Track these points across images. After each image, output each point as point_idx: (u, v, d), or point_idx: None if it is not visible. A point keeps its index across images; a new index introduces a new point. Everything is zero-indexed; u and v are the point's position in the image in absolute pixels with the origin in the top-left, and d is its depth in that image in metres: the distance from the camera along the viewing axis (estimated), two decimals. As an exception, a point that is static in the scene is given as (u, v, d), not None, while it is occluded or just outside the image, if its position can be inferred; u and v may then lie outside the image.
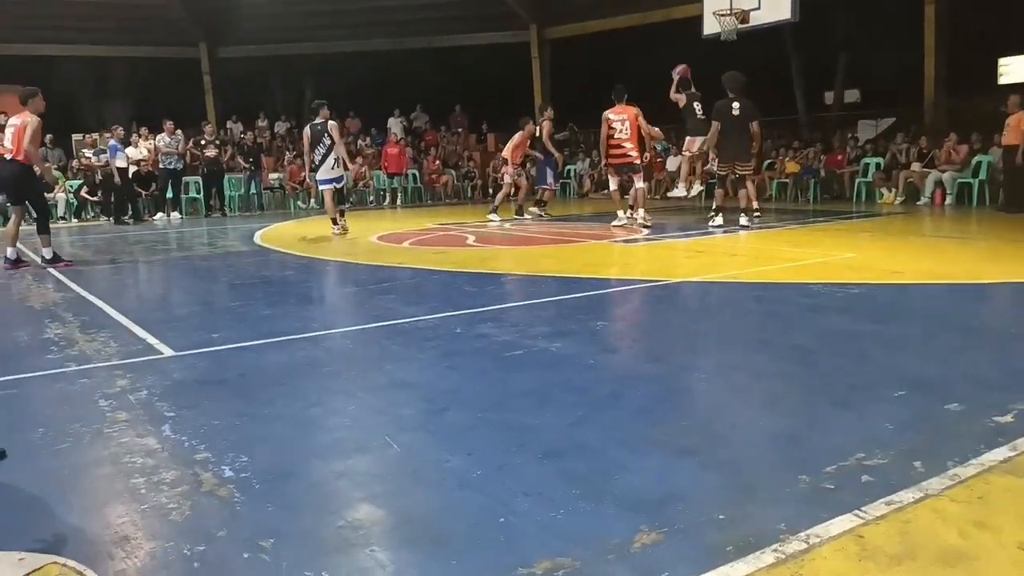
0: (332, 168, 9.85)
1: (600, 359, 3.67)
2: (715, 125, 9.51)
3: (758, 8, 11.43)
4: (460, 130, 20.43)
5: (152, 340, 4.18)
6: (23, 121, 7.20)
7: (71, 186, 14.78)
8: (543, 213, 11.74)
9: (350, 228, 10.05)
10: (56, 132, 15.01)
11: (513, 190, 11.89)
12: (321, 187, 10.27)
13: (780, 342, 3.94)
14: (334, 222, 9.95)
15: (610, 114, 9.85)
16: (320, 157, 9.81)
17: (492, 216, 11.22)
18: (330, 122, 9.88)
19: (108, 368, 3.66)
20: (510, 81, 20.89)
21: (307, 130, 10.00)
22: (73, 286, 6.19)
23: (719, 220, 9.54)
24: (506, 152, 11.78)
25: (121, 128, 14.01)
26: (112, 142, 13.55)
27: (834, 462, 2.35)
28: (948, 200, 12.27)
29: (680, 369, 3.63)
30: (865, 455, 2.41)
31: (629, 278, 5.89)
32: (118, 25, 18.72)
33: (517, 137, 11.63)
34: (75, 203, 14.74)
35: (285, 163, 17.05)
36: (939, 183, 12.48)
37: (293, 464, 2.51)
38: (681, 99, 10.78)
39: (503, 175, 12.08)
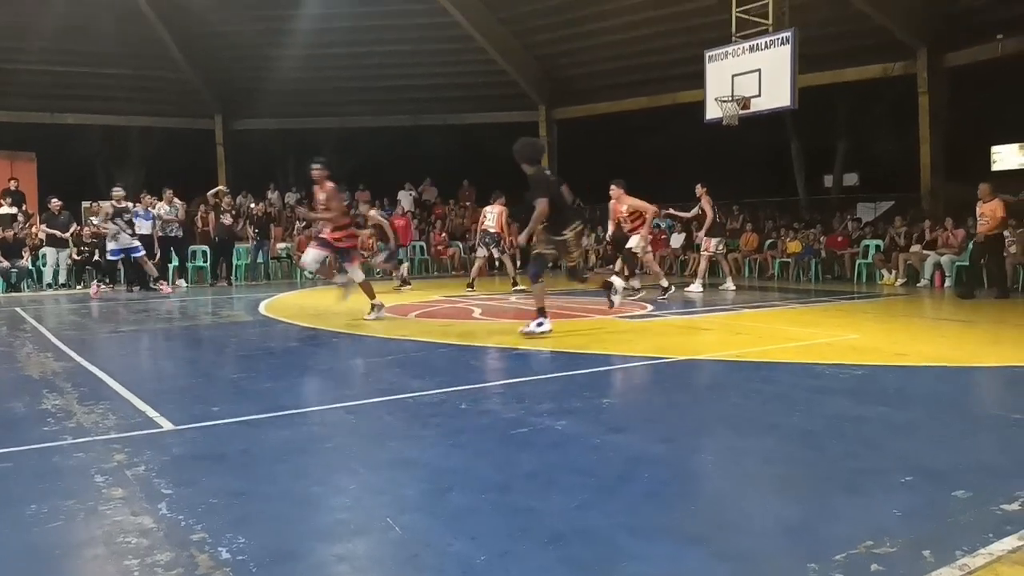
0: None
1: (606, 439, 3.62)
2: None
3: (759, 95, 11.76)
4: (468, 204, 20.75)
5: (152, 413, 4.13)
6: None
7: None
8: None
9: (353, 299, 9.95)
10: (67, 198, 15.25)
11: (499, 264, 12.53)
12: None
13: (788, 425, 3.89)
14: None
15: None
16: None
17: (469, 290, 11.95)
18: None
19: (105, 442, 3.61)
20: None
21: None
22: (73, 355, 6.17)
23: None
24: (497, 227, 12.36)
25: (149, 196, 14.23)
26: (136, 210, 13.74)
27: (843, 550, 2.30)
28: (947, 283, 12.33)
29: (688, 451, 3.58)
30: (874, 543, 2.36)
31: (633, 355, 5.86)
32: (136, 95, 19.35)
33: (500, 210, 12.48)
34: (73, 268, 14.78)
35: (295, 233, 17.26)
36: (938, 265, 12.57)
37: (292, 546, 2.45)
38: (709, 211, 11.78)
39: (505, 248, 12.40)
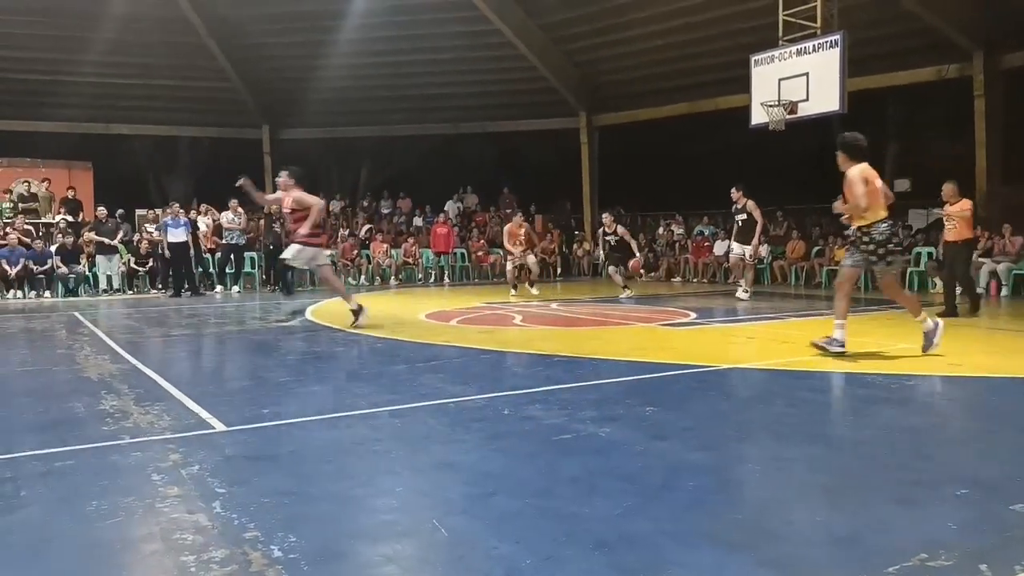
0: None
1: (649, 446, 3.61)
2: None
3: (806, 100, 11.59)
4: (509, 211, 20.85)
5: (204, 414, 4.25)
6: None
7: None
8: None
9: (399, 307, 10.13)
10: (124, 207, 15.74)
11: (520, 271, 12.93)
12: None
13: (836, 434, 3.84)
14: None
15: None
16: None
17: (534, 291, 12.37)
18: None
19: (161, 441, 3.73)
20: (557, 165, 21.38)
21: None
22: (129, 357, 6.36)
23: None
24: (525, 236, 12.88)
25: (177, 204, 14.65)
26: (165, 219, 14.14)
27: (896, 562, 2.27)
28: (1004, 292, 11.96)
29: (732, 460, 3.55)
30: (928, 556, 2.31)
31: (677, 363, 5.83)
32: (186, 106, 19.89)
33: (522, 221, 13.18)
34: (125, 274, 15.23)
35: (339, 240, 17.53)
36: (994, 274, 12.21)
37: (341, 545, 2.50)
38: (760, 217, 11.68)
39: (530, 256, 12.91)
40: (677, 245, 17.80)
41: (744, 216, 11.70)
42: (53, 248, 14.24)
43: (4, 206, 16.09)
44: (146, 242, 14.86)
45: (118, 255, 14.57)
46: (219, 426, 4.02)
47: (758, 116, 12.31)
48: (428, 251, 17.94)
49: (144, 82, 18.75)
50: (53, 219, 15.91)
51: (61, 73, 17.60)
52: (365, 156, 25.08)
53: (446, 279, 17.37)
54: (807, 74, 11.57)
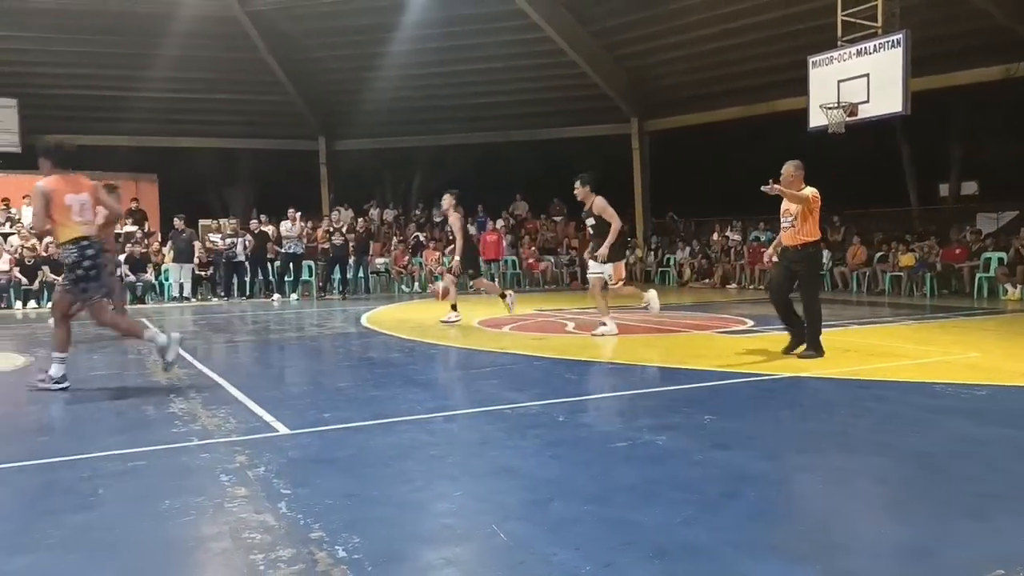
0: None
1: (708, 455, 3.57)
2: None
3: (867, 101, 11.31)
4: (559, 218, 20.84)
5: (268, 417, 4.36)
6: None
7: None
8: None
9: (446, 312, 10.07)
10: (188, 217, 16.23)
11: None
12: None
13: (903, 445, 3.73)
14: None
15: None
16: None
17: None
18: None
19: (228, 444, 3.84)
20: (607, 171, 21.27)
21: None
22: (195, 362, 6.57)
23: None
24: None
25: (236, 221, 15.20)
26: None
27: (971, 578, 2.20)
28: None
29: (794, 470, 3.48)
30: (1005, 572, 2.23)
31: (735, 370, 5.74)
32: (246, 119, 20.46)
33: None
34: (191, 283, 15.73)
35: (392, 248, 17.79)
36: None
37: (401, 547, 2.54)
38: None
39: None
40: (732, 251, 17.54)
41: (593, 221, 8.24)
42: (122, 257, 14.77)
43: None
44: (223, 252, 15.33)
45: (191, 264, 15.07)
46: (282, 429, 4.12)
47: (816, 119, 12.05)
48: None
49: (207, 96, 19.37)
50: (120, 229, 16.50)
51: (129, 89, 18.29)
52: (417, 165, 25.40)
53: (497, 286, 17.42)
54: (868, 75, 11.29)
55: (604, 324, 8.19)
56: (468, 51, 18.08)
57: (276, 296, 15.09)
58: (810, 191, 6.29)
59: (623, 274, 8.35)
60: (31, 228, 12.86)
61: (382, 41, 17.64)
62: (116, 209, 6.56)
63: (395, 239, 18.38)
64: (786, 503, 3.02)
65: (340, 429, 4.15)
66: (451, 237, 10.78)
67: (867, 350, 6.88)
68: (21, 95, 17.71)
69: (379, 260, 17.47)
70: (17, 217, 15.47)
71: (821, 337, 6.38)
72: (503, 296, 9.89)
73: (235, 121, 20.45)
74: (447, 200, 10.05)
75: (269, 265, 15.63)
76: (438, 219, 21.12)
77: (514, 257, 18.45)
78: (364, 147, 21.61)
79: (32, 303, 13.45)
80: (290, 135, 20.95)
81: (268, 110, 20.35)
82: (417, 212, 21.60)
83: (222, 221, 17.19)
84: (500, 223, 18.93)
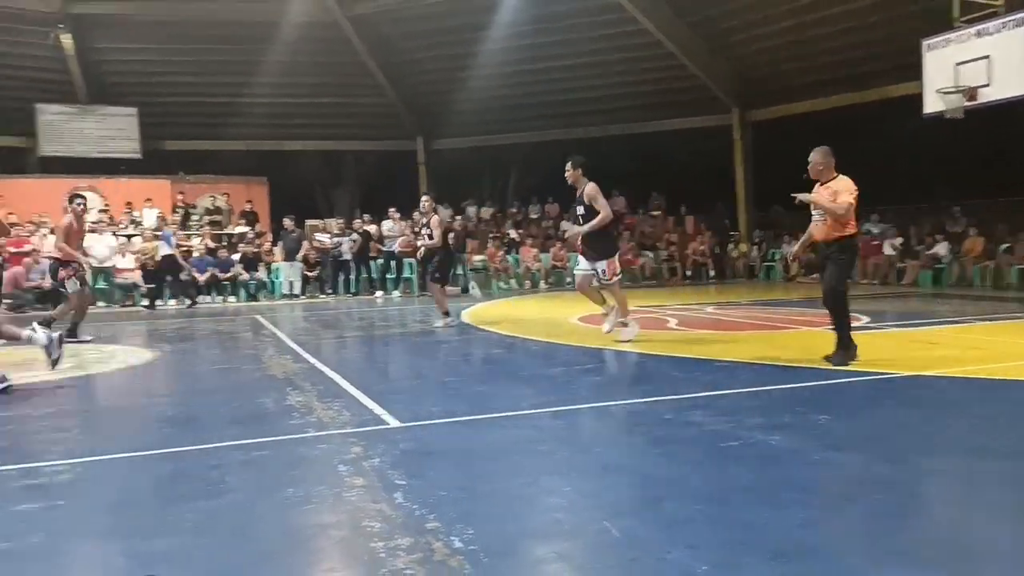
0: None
1: (826, 456, 3.45)
2: None
3: (988, 84, 10.59)
4: (657, 213, 20.54)
5: (379, 411, 4.51)
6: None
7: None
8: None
9: (551, 310, 10.07)
10: (296, 217, 16.93)
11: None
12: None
13: (1040, 450, 3.49)
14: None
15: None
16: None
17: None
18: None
19: (343, 435, 3.99)
20: (706, 163, 20.79)
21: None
22: (308, 357, 6.85)
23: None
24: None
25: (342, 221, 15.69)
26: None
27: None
28: None
29: (919, 473, 3.32)
30: None
31: (851, 369, 5.50)
32: (348, 121, 21.16)
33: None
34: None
35: (488, 246, 17.98)
36: None
37: (515, 540, 2.58)
38: None
39: None
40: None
41: (583, 210, 7.56)
42: (236, 256, 15.58)
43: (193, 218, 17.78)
44: (329, 251, 15.94)
45: (299, 263, 15.74)
46: (393, 422, 4.25)
47: (932, 105, 11.39)
48: (576, 255, 17.98)
49: (311, 100, 20.13)
50: (233, 230, 17.40)
51: (239, 95, 19.23)
52: (513, 162, 25.55)
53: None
54: (988, 57, 10.58)
55: (626, 325, 7.42)
56: (563, 47, 18.04)
57: (379, 293, 15.54)
58: (847, 196, 5.64)
59: (617, 269, 7.62)
60: None
61: (476, 40, 17.84)
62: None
63: (490, 237, 18.56)
64: (911, 507, 2.88)
65: (448, 423, 4.24)
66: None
67: (994, 348, 6.47)
68: (141, 104, 18.85)
69: (477, 257, 17.70)
70: (139, 219, 16.52)
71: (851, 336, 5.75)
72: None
73: (338, 124, 21.17)
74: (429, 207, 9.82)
75: (372, 263, 16.12)
76: (535, 216, 21.22)
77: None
78: (461, 146, 21.93)
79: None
80: (390, 136, 21.50)
81: (369, 112, 20.96)
82: (513, 209, 21.74)
83: (328, 221, 17.83)
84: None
